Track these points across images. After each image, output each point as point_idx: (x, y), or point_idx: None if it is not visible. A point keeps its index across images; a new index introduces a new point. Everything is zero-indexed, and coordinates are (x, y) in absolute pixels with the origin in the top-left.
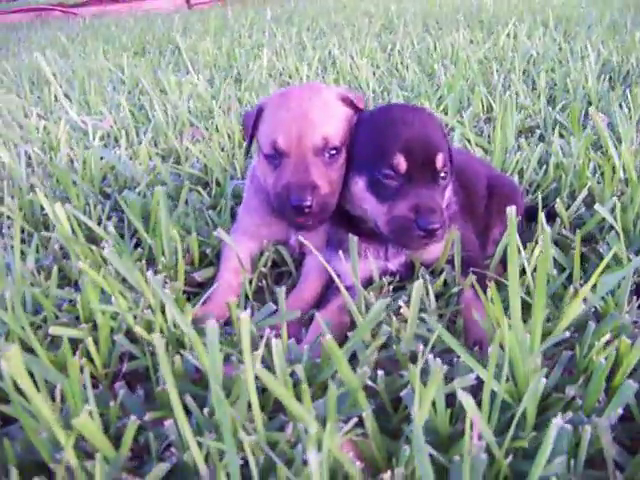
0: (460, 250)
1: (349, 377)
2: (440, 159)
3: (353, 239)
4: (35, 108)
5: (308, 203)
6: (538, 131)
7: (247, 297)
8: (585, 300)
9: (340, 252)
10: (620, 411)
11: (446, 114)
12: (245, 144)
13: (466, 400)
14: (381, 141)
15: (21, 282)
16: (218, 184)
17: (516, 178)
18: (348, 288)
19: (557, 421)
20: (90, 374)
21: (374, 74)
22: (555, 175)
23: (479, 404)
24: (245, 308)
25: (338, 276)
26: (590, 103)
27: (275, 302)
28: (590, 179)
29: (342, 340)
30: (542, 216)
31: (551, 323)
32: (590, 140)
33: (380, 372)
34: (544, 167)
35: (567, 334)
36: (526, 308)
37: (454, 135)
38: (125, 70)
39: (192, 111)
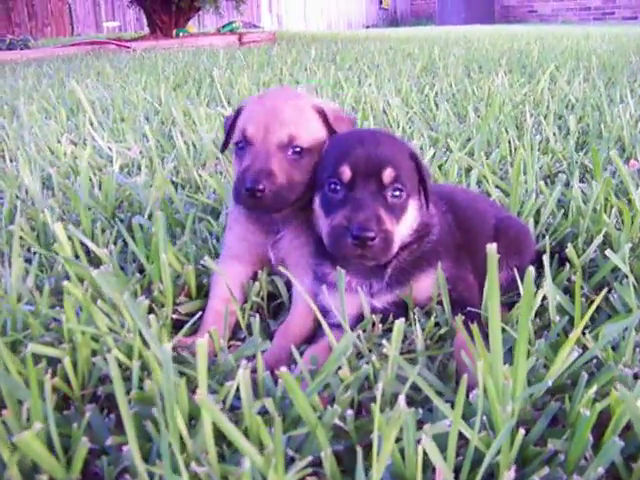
0: (449, 290)
1: (307, 414)
2: (388, 173)
3: (341, 273)
4: (69, 134)
5: (260, 187)
6: (564, 176)
7: (240, 327)
8: (585, 349)
9: (324, 287)
10: (601, 470)
11: (472, 155)
12: (222, 142)
13: (429, 447)
14: (334, 157)
15: (15, 299)
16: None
17: (532, 222)
18: (337, 325)
19: (510, 474)
20: (64, 395)
21: (407, 113)
22: (573, 220)
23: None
24: (238, 339)
25: (326, 313)
26: (624, 150)
27: (270, 335)
28: (608, 224)
29: None
30: (547, 259)
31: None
32: (610, 184)
33: (349, 412)
34: (562, 211)
35: (549, 383)
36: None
37: (471, 175)
38: (162, 101)
39: (218, 145)
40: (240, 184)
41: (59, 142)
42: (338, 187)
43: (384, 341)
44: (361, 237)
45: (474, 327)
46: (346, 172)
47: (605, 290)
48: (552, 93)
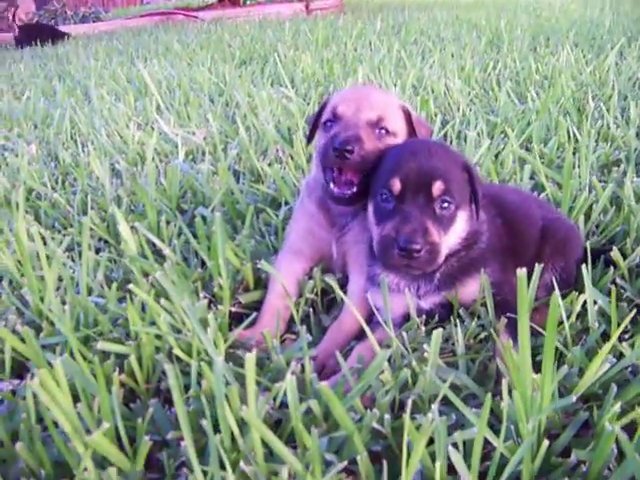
0: (494, 294)
1: (344, 420)
2: (438, 186)
3: (384, 279)
4: (137, 117)
5: (349, 147)
6: (623, 166)
7: (294, 322)
8: (622, 356)
9: (369, 293)
10: None
11: (530, 141)
12: (307, 135)
13: (455, 456)
14: (387, 169)
15: (85, 293)
16: (288, 204)
17: (582, 218)
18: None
19: None
20: (130, 388)
21: (469, 94)
22: (625, 217)
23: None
24: (293, 332)
25: (376, 311)
26: None
27: (323, 329)
28: None
29: None
30: (586, 268)
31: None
32: None
33: (387, 416)
34: (614, 208)
35: (574, 399)
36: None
37: (525, 168)
38: (227, 81)
39: (280, 129)
40: (328, 145)
41: (127, 127)
42: (389, 198)
43: (425, 345)
44: (407, 249)
45: (508, 342)
46: (396, 184)
47: None
48: (619, 70)
